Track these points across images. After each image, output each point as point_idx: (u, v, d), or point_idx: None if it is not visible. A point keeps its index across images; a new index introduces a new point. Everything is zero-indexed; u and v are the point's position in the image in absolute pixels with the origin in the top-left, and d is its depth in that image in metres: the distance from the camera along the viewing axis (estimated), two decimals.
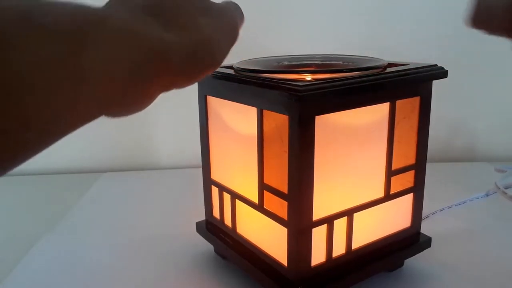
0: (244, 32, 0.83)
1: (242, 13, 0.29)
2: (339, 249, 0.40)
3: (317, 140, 0.35)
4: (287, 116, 0.34)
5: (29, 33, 0.15)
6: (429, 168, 0.45)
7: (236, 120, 0.42)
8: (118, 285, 0.46)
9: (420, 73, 0.40)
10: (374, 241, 0.42)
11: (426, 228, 0.46)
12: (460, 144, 0.84)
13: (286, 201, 0.37)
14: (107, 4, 0.21)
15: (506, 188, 0.61)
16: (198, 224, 0.51)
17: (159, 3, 0.22)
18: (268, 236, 0.41)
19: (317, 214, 0.37)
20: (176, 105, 0.80)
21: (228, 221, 0.46)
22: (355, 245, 0.41)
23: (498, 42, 0.85)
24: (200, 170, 0.49)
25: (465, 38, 0.79)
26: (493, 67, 0.81)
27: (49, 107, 0.16)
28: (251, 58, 0.47)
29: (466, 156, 0.84)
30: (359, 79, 0.36)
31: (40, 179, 0.78)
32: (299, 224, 0.36)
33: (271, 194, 0.39)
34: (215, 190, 0.47)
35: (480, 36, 0.85)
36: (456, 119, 0.83)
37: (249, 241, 0.43)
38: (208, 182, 0.48)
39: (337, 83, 0.34)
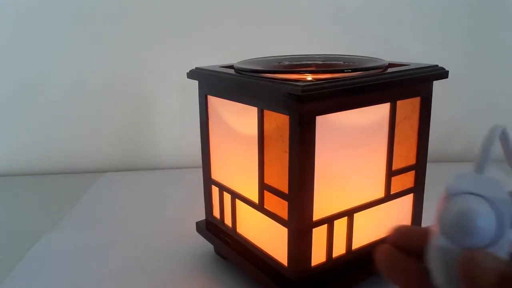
0: (244, 32, 0.83)
1: None
2: (339, 249, 0.40)
3: (317, 140, 0.35)
4: (288, 116, 0.34)
5: None
6: (430, 168, 0.44)
7: (237, 120, 0.42)
8: (118, 284, 0.45)
9: (421, 74, 0.40)
10: (374, 241, 0.42)
11: None
12: (461, 145, 0.84)
13: (287, 201, 0.37)
14: None
15: None
16: (198, 224, 0.51)
17: None
18: (268, 236, 0.41)
19: (317, 214, 0.37)
20: (176, 105, 0.80)
21: (228, 221, 0.46)
22: (355, 245, 0.41)
23: (498, 42, 0.85)
24: (200, 170, 0.49)
25: (466, 38, 0.80)
26: (494, 67, 0.81)
27: None
28: (251, 58, 0.47)
29: (466, 156, 0.84)
30: (359, 79, 0.36)
31: (40, 179, 0.78)
32: (300, 224, 0.36)
33: (271, 194, 0.39)
34: (215, 190, 0.47)
35: (481, 37, 0.85)
36: (457, 119, 0.83)
37: (249, 241, 0.43)
38: (208, 182, 0.48)
39: (337, 83, 0.34)
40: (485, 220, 0.21)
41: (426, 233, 0.22)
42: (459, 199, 0.22)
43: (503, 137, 0.25)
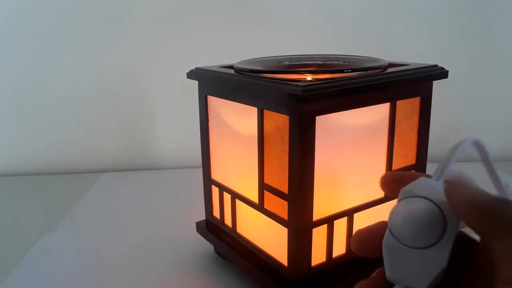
0: (244, 32, 0.83)
1: None
2: (339, 249, 0.40)
3: (317, 140, 0.35)
4: (288, 116, 0.34)
5: None
6: (429, 168, 0.44)
7: (237, 120, 0.42)
8: (118, 285, 0.45)
9: (421, 74, 0.40)
10: None
11: None
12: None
13: (287, 201, 0.37)
14: None
15: None
16: (198, 224, 0.51)
17: None
18: (269, 236, 0.41)
19: (317, 214, 0.37)
20: (176, 105, 0.80)
21: (228, 221, 0.46)
22: None
23: (498, 42, 0.85)
24: (200, 170, 0.49)
25: (466, 38, 0.80)
26: (493, 67, 0.81)
27: None
28: (251, 58, 0.47)
29: (466, 156, 0.84)
30: (359, 79, 0.36)
31: (40, 179, 0.78)
32: (300, 224, 0.36)
33: (271, 194, 0.39)
34: (215, 190, 0.47)
35: (481, 36, 0.85)
36: (456, 119, 0.83)
37: (249, 241, 0.43)
38: (208, 182, 0.48)
39: (337, 83, 0.34)
40: (427, 224, 0.22)
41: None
42: (405, 203, 0.23)
43: (479, 148, 0.26)
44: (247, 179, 0.42)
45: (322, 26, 0.78)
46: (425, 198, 0.23)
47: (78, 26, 0.76)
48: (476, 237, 0.23)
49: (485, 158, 0.27)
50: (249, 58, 0.46)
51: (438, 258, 0.22)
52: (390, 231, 0.24)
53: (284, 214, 0.37)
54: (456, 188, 0.22)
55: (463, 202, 0.22)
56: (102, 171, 0.80)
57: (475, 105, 0.83)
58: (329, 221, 0.38)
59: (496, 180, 0.27)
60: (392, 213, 0.24)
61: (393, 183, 0.26)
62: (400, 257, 0.23)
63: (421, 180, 0.24)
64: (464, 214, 0.22)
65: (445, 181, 0.23)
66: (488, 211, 0.21)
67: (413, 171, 0.43)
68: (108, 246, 0.53)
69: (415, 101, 0.41)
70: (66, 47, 0.77)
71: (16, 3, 0.74)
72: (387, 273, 0.24)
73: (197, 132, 0.48)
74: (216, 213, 0.48)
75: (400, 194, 0.24)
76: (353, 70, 0.38)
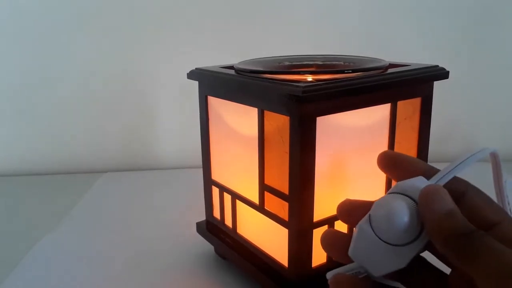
0: (245, 32, 0.82)
1: None
2: None
3: (318, 141, 0.35)
4: (288, 117, 0.34)
5: None
6: None
7: (237, 121, 0.42)
8: (118, 285, 0.45)
9: (421, 74, 0.40)
10: None
11: None
12: (461, 145, 0.84)
13: (287, 202, 0.37)
14: None
15: None
16: (198, 224, 0.51)
17: None
18: (269, 237, 0.41)
19: (317, 215, 0.37)
20: (176, 105, 0.80)
21: (228, 222, 0.46)
22: None
23: (498, 42, 0.84)
24: (200, 170, 0.49)
25: (466, 38, 0.80)
26: (494, 67, 0.81)
27: None
28: (252, 58, 0.47)
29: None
30: (360, 80, 0.36)
31: (40, 179, 0.78)
32: (300, 225, 0.36)
33: (271, 195, 0.39)
34: (215, 191, 0.47)
35: (481, 37, 0.84)
36: (456, 119, 0.83)
37: (250, 241, 0.43)
38: (208, 182, 0.48)
39: (338, 84, 0.34)
40: (406, 226, 0.23)
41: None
42: (393, 199, 0.24)
43: (494, 159, 0.26)
44: (247, 180, 0.42)
45: (322, 26, 0.78)
46: (414, 200, 0.23)
47: (79, 27, 0.76)
48: None
49: (497, 168, 0.27)
50: (250, 59, 0.46)
51: (403, 257, 0.23)
52: (369, 218, 0.24)
53: (285, 215, 0.37)
54: (429, 207, 0.22)
55: (435, 223, 0.22)
56: (102, 171, 0.80)
57: (476, 105, 0.83)
58: (329, 222, 0.38)
59: (500, 192, 0.27)
60: (378, 204, 0.24)
61: (389, 162, 0.27)
62: (369, 244, 0.24)
63: (419, 180, 0.24)
64: (434, 238, 0.22)
65: (422, 192, 0.23)
66: (456, 239, 0.21)
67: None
68: (108, 246, 0.53)
69: (416, 102, 0.41)
70: (67, 48, 0.77)
71: (20, 2, 0.74)
72: (350, 250, 0.25)
73: (198, 132, 0.47)
74: (217, 213, 0.48)
75: (393, 187, 0.24)
76: (353, 71, 0.38)
